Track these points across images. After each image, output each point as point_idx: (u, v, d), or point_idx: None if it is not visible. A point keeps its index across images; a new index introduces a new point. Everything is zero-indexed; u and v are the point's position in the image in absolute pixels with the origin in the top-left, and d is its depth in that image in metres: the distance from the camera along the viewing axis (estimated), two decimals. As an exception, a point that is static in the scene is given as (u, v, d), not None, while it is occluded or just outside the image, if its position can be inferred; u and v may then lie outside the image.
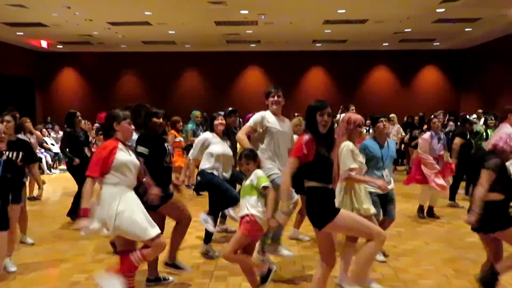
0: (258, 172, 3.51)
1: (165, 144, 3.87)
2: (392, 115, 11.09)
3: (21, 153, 4.09)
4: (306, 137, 2.99)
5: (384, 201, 4.32)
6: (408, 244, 5.12)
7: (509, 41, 14.31)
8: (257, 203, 3.39)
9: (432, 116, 6.80)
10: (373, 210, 3.74)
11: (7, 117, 4.66)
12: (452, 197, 7.22)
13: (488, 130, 7.51)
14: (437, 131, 6.34)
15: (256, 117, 4.25)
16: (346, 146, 3.59)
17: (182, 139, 7.82)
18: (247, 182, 3.50)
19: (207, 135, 4.80)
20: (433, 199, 6.43)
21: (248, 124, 4.27)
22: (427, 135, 6.33)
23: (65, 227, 6.07)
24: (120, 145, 3.21)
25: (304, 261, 4.57)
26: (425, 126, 7.19)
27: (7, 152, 3.94)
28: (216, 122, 4.76)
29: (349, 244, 3.89)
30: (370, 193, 3.98)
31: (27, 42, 16.18)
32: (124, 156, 3.19)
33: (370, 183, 3.72)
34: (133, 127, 3.32)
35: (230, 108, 5.59)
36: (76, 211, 6.29)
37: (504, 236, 3.40)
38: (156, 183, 3.58)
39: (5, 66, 15.92)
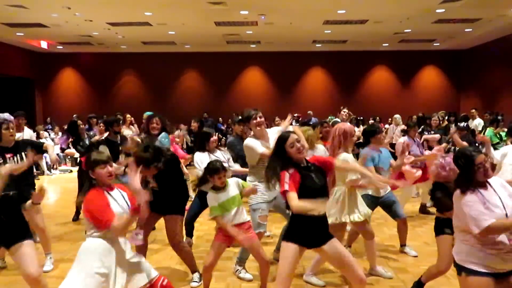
0: (237, 180, 3.61)
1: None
2: (396, 115, 11.17)
3: (23, 153, 4.12)
4: (290, 171, 2.85)
5: (385, 205, 4.59)
6: (408, 244, 5.11)
7: (509, 41, 14.32)
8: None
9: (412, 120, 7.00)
10: (367, 211, 3.98)
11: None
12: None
13: (500, 133, 7.55)
14: (413, 137, 6.49)
15: (256, 143, 4.01)
16: (344, 158, 3.75)
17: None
18: (232, 194, 3.51)
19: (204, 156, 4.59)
20: (424, 197, 6.70)
21: (263, 150, 3.93)
22: (402, 139, 6.56)
23: (64, 227, 6.07)
24: (106, 194, 2.78)
25: (304, 261, 4.57)
26: (404, 126, 7.39)
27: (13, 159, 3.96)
28: (212, 139, 4.66)
29: (367, 242, 4.13)
30: (368, 196, 4.40)
31: (27, 43, 16.18)
32: (114, 207, 2.76)
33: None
34: (109, 169, 2.80)
35: (240, 117, 5.61)
36: (78, 213, 6.36)
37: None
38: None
39: (5, 66, 15.91)
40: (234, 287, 3.96)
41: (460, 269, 2.70)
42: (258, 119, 4.04)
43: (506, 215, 2.57)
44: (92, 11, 11.62)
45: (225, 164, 4.09)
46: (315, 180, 2.88)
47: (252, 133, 4.19)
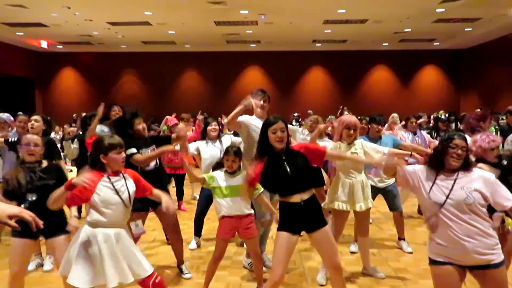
0: None
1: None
2: (394, 114, 11.11)
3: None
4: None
5: (385, 195, 4.69)
6: (408, 244, 5.12)
7: (509, 40, 14.32)
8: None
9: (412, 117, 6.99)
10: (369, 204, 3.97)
11: (36, 117, 4.49)
12: None
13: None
14: (414, 130, 6.58)
15: (243, 117, 4.07)
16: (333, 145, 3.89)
17: None
18: (239, 183, 3.54)
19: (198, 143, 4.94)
20: None
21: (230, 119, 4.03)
22: (399, 133, 6.64)
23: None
24: (105, 179, 2.81)
25: (304, 261, 4.58)
26: (403, 122, 7.41)
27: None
28: (209, 127, 4.94)
29: (360, 239, 4.15)
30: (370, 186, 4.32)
31: (27, 42, 16.17)
32: (106, 193, 2.78)
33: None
34: (123, 155, 2.87)
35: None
36: (79, 211, 6.36)
37: None
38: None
39: (5, 66, 15.91)
40: (234, 287, 3.96)
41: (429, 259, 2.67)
42: (262, 101, 4.15)
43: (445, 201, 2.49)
44: (92, 11, 11.61)
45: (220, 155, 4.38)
46: (285, 167, 2.88)
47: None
